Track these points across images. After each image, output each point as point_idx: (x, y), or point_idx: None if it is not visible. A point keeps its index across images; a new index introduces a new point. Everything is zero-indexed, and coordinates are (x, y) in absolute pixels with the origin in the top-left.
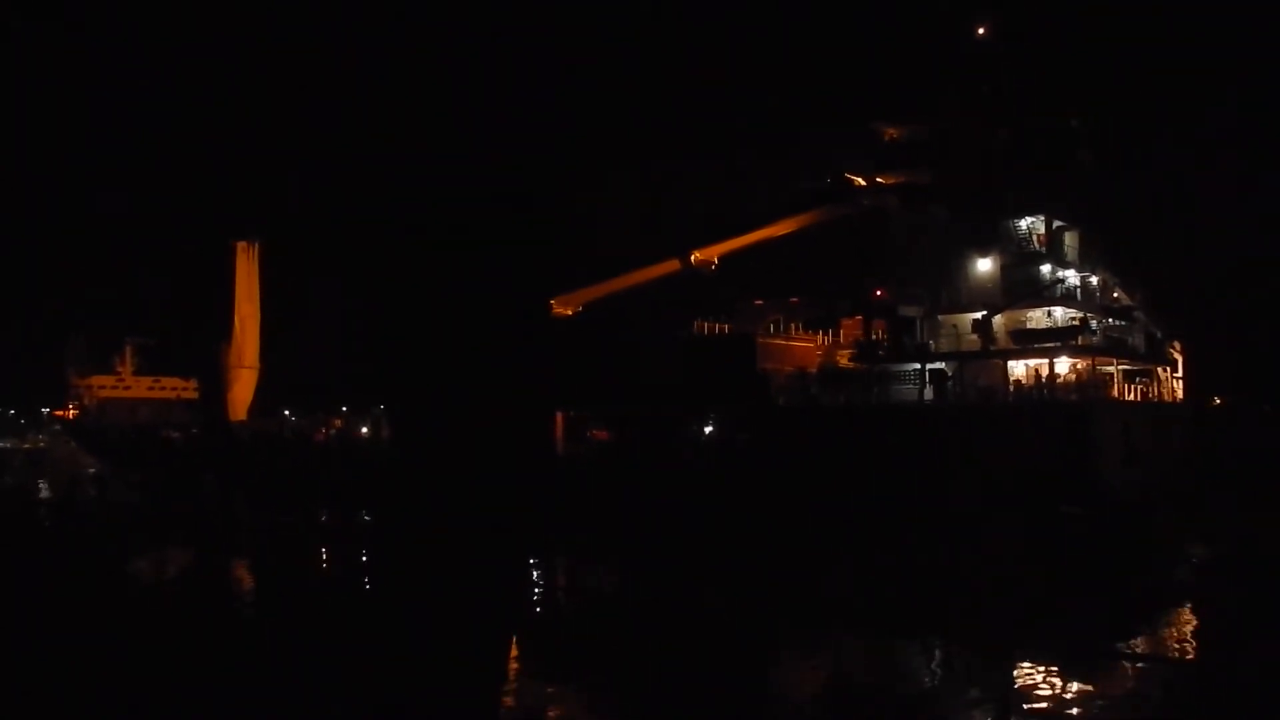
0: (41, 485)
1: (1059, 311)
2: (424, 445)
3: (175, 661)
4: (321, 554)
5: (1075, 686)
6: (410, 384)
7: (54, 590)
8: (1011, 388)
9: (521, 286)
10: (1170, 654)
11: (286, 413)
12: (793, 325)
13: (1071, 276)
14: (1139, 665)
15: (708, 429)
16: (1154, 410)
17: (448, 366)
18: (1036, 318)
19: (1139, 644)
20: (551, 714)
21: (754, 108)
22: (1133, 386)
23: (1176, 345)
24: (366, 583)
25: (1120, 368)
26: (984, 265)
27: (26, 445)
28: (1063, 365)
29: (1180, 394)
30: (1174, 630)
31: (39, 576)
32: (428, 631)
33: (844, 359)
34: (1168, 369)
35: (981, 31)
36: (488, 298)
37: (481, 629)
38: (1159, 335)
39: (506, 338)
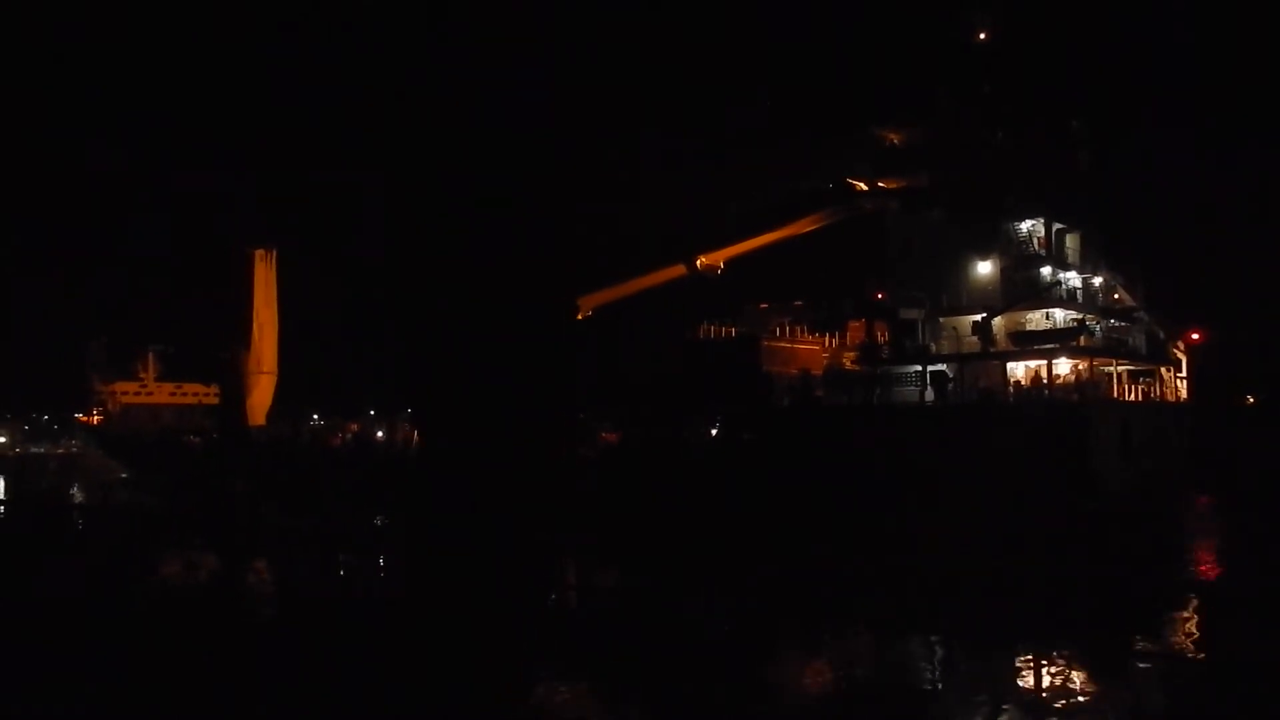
0: (74, 490)
1: (1059, 313)
2: (451, 450)
3: (207, 662)
4: (343, 557)
5: (1086, 683)
6: (440, 389)
7: (88, 591)
8: (1011, 389)
9: (550, 290)
10: (1179, 650)
11: (315, 417)
12: (798, 328)
13: (1073, 278)
14: (1148, 662)
15: (714, 431)
16: (1155, 410)
17: (476, 371)
18: (1036, 319)
19: (1148, 641)
20: (561, 712)
21: (755, 114)
22: (1135, 387)
23: (1180, 345)
24: (391, 585)
25: (1122, 368)
26: (984, 268)
27: (60, 450)
28: (1064, 366)
29: (1185, 394)
30: (1181, 627)
31: (73, 578)
32: (451, 634)
33: (849, 361)
34: (1171, 369)
35: (982, 36)
36: (515, 302)
37: (506, 629)
38: (1162, 335)
39: (534, 342)
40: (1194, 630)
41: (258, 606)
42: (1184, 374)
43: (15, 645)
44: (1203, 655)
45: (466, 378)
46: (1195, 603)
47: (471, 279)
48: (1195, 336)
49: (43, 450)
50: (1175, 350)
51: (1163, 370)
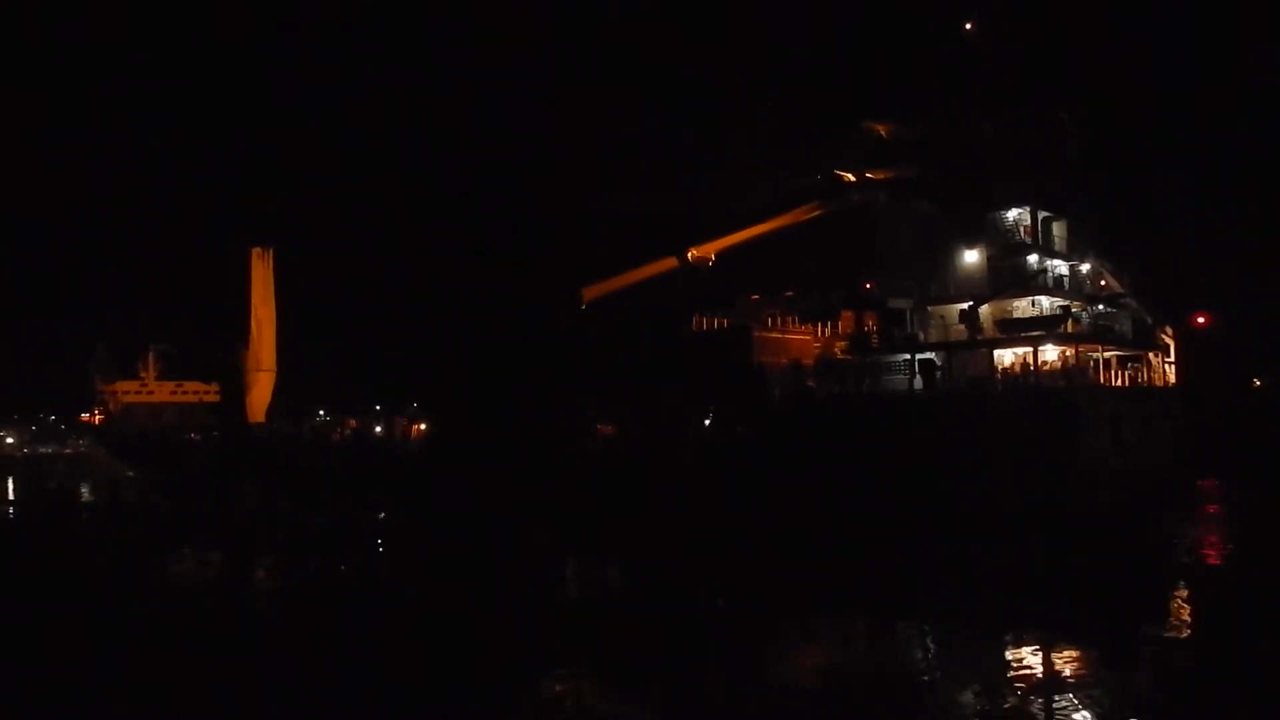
0: (83, 489)
1: (1045, 300)
2: (453, 451)
3: (214, 659)
4: (345, 555)
5: (1078, 668)
6: (441, 391)
7: (101, 589)
8: (999, 376)
9: (551, 290)
10: (1175, 635)
11: (321, 413)
12: (789, 319)
13: (1060, 266)
14: (1144, 647)
15: (707, 421)
16: (1145, 394)
17: (478, 373)
18: (1023, 307)
19: (1145, 626)
20: (562, 710)
21: (747, 109)
22: (1123, 372)
23: (1168, 330)
24: (392, 583)
25: (1109, 354)
26: (971, 257)
27: (68, 450)
28: (1051, 353)
29: (1173, 378)
30: (1177, 612)
31: (87, 576)
32: (452, 633)
33: (840, 351)
34: (1159, 354)
35: (969, 27)
36: (517, 302)
37: (506, 627)
38: (1149, 320)
39: (536, 344)
40: (1183, 614)
41: (263, 605)
42: (1172, 359)
43: (32, 642)
44: (1187, 638)
45: (468, 379)
46: (1185, 588)
47: (472, 279)
48: (1201, 320)
49: (50, 450)
50: (1163, 335)
51: (1150, 355)
